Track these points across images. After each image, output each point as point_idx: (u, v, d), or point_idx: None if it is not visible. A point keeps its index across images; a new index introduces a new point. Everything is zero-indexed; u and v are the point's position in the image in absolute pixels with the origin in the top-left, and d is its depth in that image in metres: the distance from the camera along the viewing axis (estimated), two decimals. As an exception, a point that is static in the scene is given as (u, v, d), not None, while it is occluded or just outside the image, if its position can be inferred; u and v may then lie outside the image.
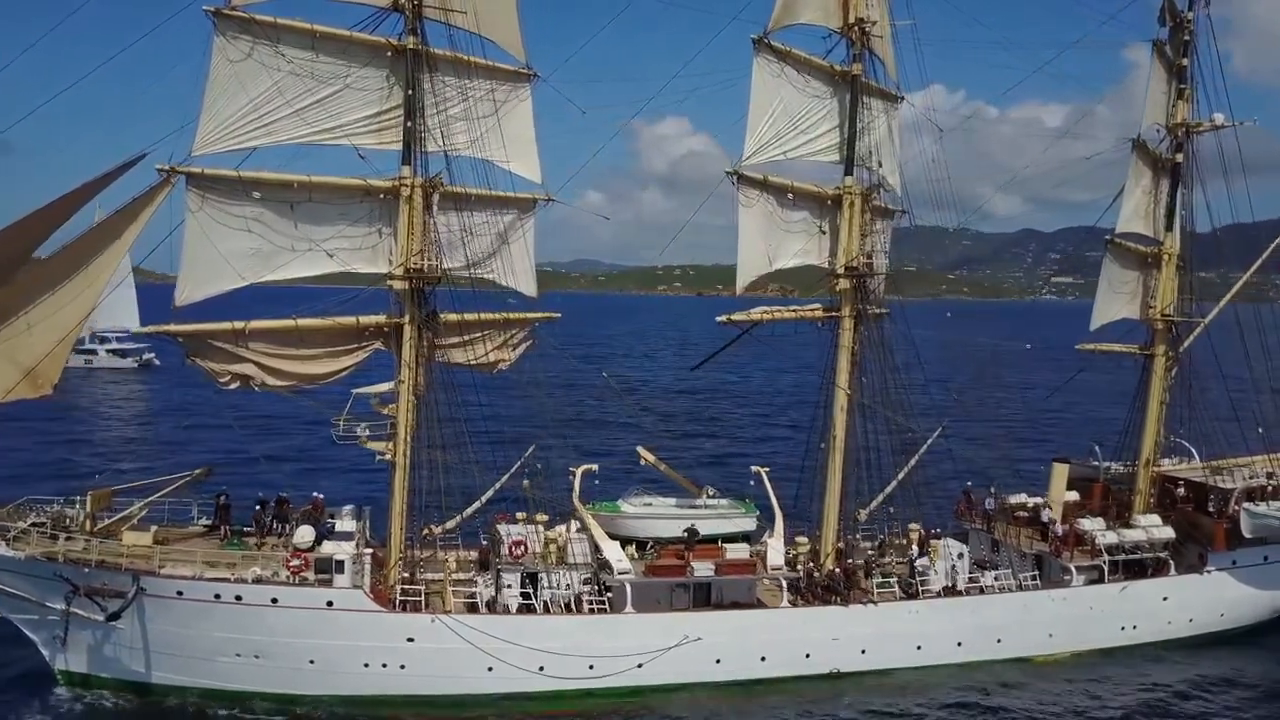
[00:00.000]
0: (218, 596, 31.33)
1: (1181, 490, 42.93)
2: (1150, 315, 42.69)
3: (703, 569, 35.08)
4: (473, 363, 37.12)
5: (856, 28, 37.96)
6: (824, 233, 38.07)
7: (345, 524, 35.37)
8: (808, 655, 35.21)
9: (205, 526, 35.85)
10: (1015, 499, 43.23)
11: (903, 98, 41.29)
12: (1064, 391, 48.71)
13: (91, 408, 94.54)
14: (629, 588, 34.05)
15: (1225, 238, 42.61)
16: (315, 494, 36.97)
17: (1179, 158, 41.96)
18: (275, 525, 35.71)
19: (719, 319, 36.44)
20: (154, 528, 34.10)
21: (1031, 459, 50.18)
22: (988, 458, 45.92)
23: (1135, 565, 40.10)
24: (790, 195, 37.35)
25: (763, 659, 34.82)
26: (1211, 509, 41.21)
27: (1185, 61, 41.72)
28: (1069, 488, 43.51)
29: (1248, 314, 42.43)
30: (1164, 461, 44.86)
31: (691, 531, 35.61)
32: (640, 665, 33.57)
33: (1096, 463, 45.17)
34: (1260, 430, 42.75)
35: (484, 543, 37.14)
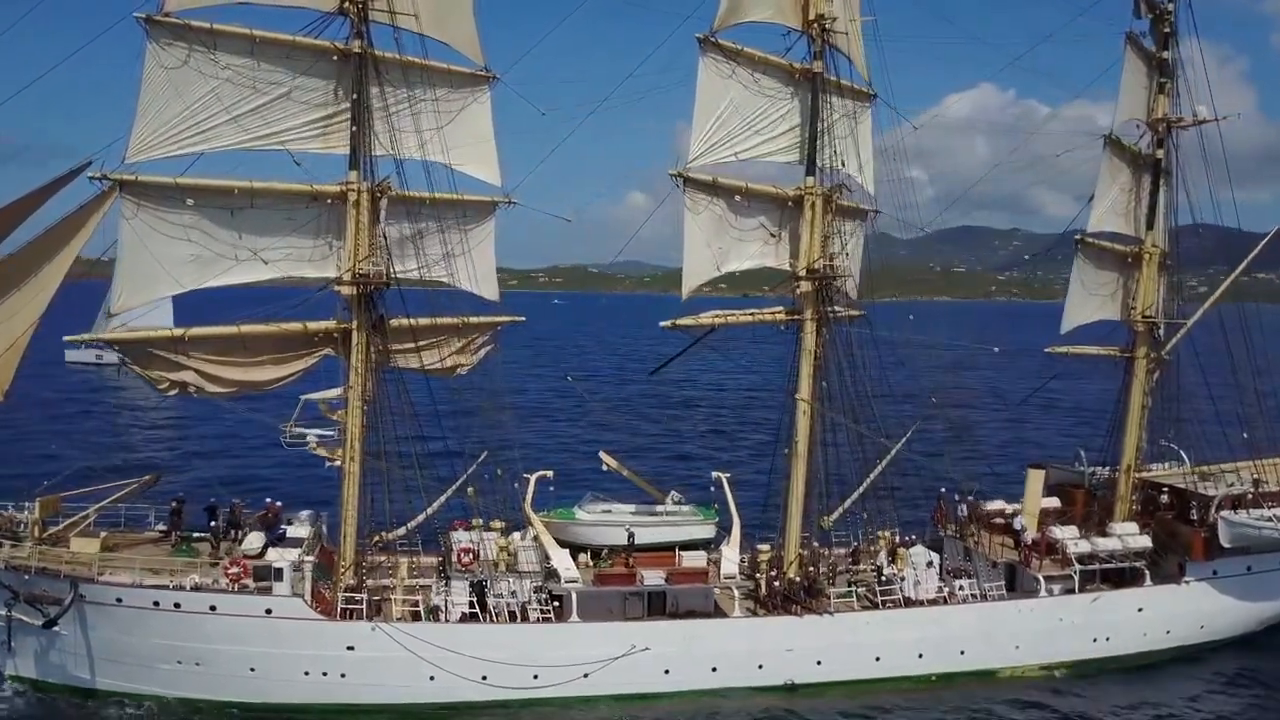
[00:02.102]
0: (156, 604, 31.30)
1: (1165, 497, 41.49)
2: (1131, 317, 41.33)
3: (653, 577, 34.47)
4: (429, 367, 36.84)
5: (817, 25, 37.16)
6: (775, 236, 37.22)
7: (299, 530, 35.32)
8: (760, 666, 34.45)
9: (160, 532, 35.92)
10: (993, 506, 42.07)
11: (875, 95, 40.55)
12: (1052, 395, 47.35)
13: (96, 408, 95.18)
14: (575, 596, 33.54)
15: (1209, 236, 41.05)
16: (269, 499, 36.90)
17: (1160, 154, 40.61)
18: (229, 532, 35.65)
19: (663, 324, 35.73)
20: (103, 533, 34.20)
21: (1016, 464, 48.79)
22: (970, 463, 44.78)
23: (1117, 575, 38.85)
24: (744, 197, 36.48)
25: (714, 670, 34.12)
26: (1195, 517, 39.74)
27: (1166, 54, 40.39)
28: (1052, 494, 42.42)
29: (1232, 315, 40.83)
30: (1155, 467, 43.50)
31: (630, 537, 35.05)
32: (586, 675, 33.04)
33: (1082, 468, 43.92)
34: (1245, 435, 41.17)
35: (442, 549, 36.85)
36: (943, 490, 41.90)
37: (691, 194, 35.28)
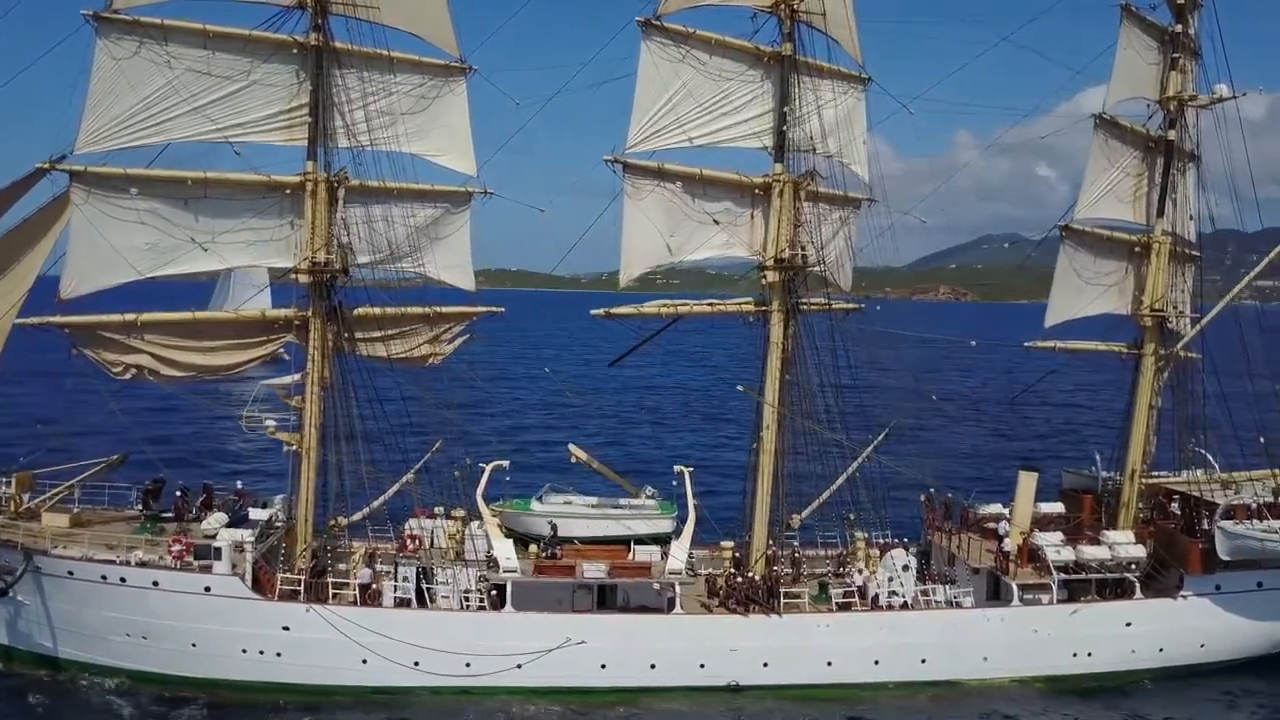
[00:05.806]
0: (104, 578, 32.49)
1: (1176, 505, 38.40)
2: (1139, 311, 38.38)
3: (594, 570, 33.87)
4: (398, 356, 37.17)
5: (785, 6, 35.94)
6: (734, 224, 36.03)
7: (262, 513, 36.10)
8: (703, 666, 33.43)
9: (139, 510, 37.28)
10: (989, 509, 39.69)
11: (869, 79, 39.02)
12: (1075, 393, 44.43)
13: (80, 388, 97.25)
14: (510, 586, 33.25)
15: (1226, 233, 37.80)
16: (238, 482, 37.94)
17: (1171, 135, 37.63)
18: (199, 512, 36.70)
19: (594, 313, 34.87)
20: (75, 509, 35.70)
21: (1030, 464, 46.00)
22: (974, 462, 42.44)
23: (1116, 587, 36.18)
24: (700, 183, 35.43)
25: (652, 666, 33.29)
26: (1206, 526, 36.62)
27: (1180, 27, 37.38)
28: (1059, 499, 39.90)
29: (1250, 314, 37.45)
30: (1185, 474, 40.28)
31: (553, 529, 34.57)
32: (519, 666, 32.73)
33: (1096, 473, 41.07)
34: (1261, 440, 37.69)
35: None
36: (930, 491, 39.87)
37: (633, 180, 34.43)
